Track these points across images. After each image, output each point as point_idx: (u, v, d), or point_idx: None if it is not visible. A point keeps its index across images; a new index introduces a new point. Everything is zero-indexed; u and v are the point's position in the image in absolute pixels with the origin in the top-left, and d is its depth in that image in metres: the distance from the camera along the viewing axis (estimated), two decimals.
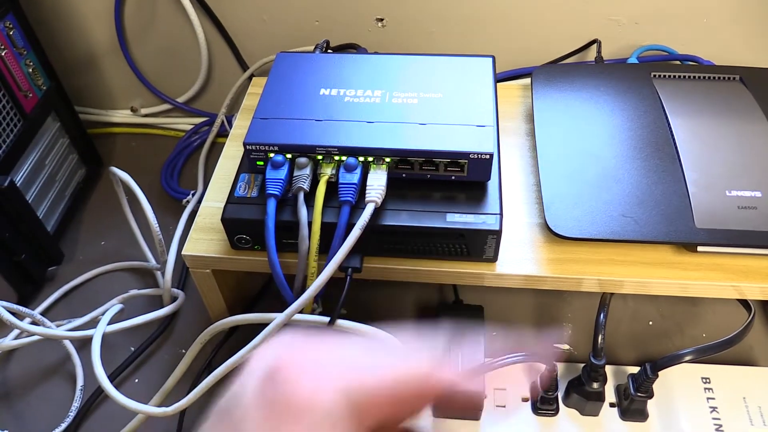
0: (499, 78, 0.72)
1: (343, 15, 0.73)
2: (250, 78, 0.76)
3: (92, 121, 0.87)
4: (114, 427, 0.56)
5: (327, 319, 0.47)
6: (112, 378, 0.59)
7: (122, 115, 0.88)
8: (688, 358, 0.48)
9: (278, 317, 0.44)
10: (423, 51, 0.73)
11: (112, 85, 0.85)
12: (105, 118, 0.87)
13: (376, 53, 0.68)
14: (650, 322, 0.62)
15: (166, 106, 0.86)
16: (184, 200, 0.74)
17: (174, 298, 0.63)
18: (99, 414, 0.58)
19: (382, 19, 0.73)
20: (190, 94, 0.83)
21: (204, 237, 0.54)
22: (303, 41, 0.74)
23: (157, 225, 0.60)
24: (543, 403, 0.52)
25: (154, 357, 0.62)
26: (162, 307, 0.62)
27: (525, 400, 0.53)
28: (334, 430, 0.22)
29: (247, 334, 0.50)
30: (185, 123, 0.86)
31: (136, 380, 0.60)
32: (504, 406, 0.53)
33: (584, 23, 0.71)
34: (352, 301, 0.65)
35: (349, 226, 0.46)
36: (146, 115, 0.87)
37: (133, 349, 0.62)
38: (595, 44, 0.70)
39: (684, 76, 0.61)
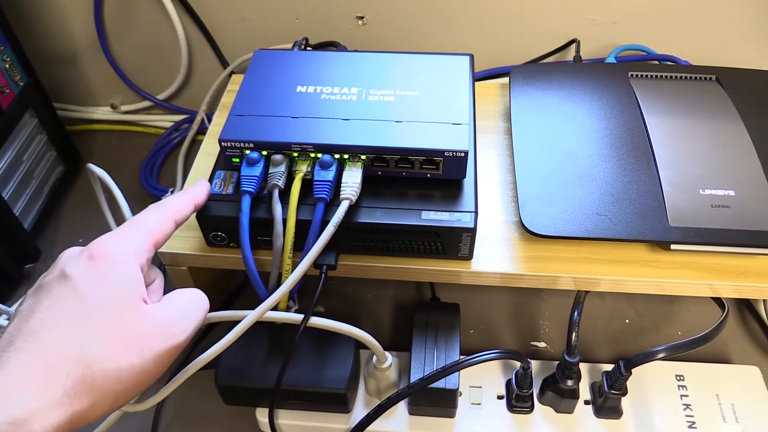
0: (479, 77, 0.72)
1: (324, 13, 0.73)
2: (230, 75, 0.75)
3: (72, 117, 0.87)
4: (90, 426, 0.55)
5: (301, 316, 0.47)
6: None
7: (102, 112, 0.87)
8: (661, 355, 0.48)
9: (250, 314, 0.44)
10: (403, 49, 0.72)
11: (91, 82, 0.85)
12: (85, 114, 0.87)
13: (356, 51, 0.68)
14: (627, 320, 0.63)
15: (146, 103, 0.86)
16: (163, 197, 0.74)
17: None
18: None
19: (362, 17, 0.73)
20: (170, 91, 0.83)
21: (180, 234, 0.53)
22: (283, 39, 0.74)
23: None
24: (518, 400, 0.52)
25: None
26: None
27: (500, 397, 0.54)
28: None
29: (225, 331, 0.50)
30: (166, 120, 0.86)
31: None
32: (479, 404, 0.53)
33: (563, 23, 0.72)
34: (331, 298, 0.65)
35: (324, 224, 0.46)
36: (126, 112, 0.87)
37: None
38: (574, 44, 0.70)
39: (661, 76, 0.61)
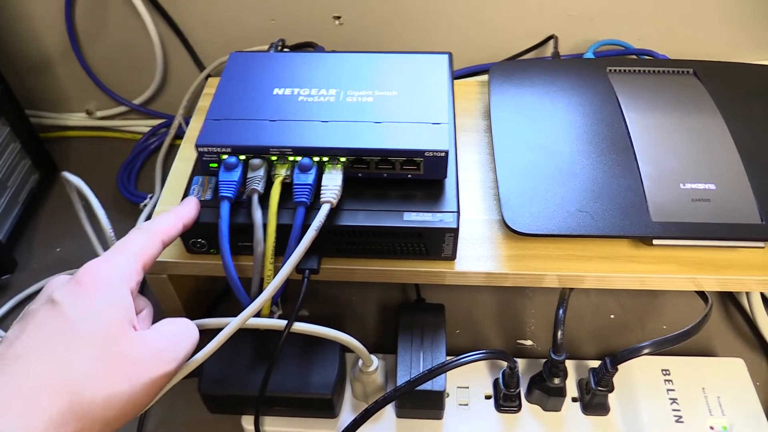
0: (458, 75, 0.72)
1: (300, 13, 0.72)
2: (207, 78, 0.74)
3: (46, 125, 0.85)
4: None
5: (284, 322, 0.46)
6: None
7: (77, 119, 0.86)
8: (646, 351, 0.48)
9: (232, 322, 0.43)
10: (382, 49, 0.72)
11: (65, 88, 0.83)
12: (59, 121, 0.86)
13: (333, 52, 0.67)
14: (612, 316, 0.63)
15: (122, 108, 0.84)
16: (141, 204, 0.73)
17: None
18: None
19: (339, 17, 0.73)
20: (146, 96, 0.82)
21: None
22: (259, 40, 0.73)
23: (111, 231, 0.58)
24: (505, 400, 0.52)
25: None
26: None
27: (488, 397, 0.53)
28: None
29: (209, 338, 0.49)
30: (143, 125, 0.85)
31: None
32: (467, 405, 0.53)
33: (541, 19, 0.72)
34: (316, 302, 0.64)
35: (305, 228, 0.46)
36: (102, 118, 0.86)
37: None
38: (552, 40, 0.70)
39: (639, 71, 0.61)
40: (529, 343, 0.61)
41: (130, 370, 0.34)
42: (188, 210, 0.46)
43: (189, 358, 0.39)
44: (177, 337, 0.39)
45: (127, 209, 0.74)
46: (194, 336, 0.40)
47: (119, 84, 0.82)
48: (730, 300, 0.64)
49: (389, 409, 0.52)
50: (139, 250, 0.40)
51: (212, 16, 0.74)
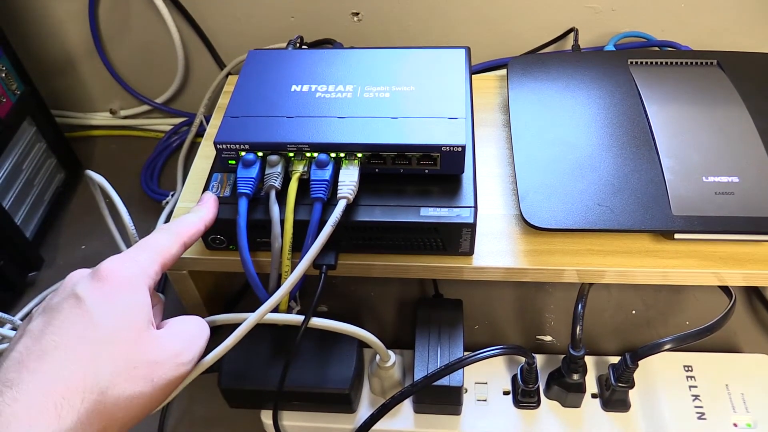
0: (476, 69, 0.72)
1: (319, 10, 0.73)
2: (227, 76, 0.75)
3: (71, 124, 0.87)
4: None
5: (302, 317, 0.46)
6: None
7: (101, 118, 0.87)
8: (667, 346, 0.48)
9: (250, 317, 0.44)
10: (400, 44, 0.72)
11: (89, 88, 0.85)
12: (84, 121, 0.87)
13: (351, 48, 0.67)
14: (633, 312, 0.62)
15: (145, 108, 0.85)
16: (164, 201, 0.74)
17: None
18: None
19: (357, 14, 0.73)
20: (168, 95, 0.83)
21: None
22: (279, 38, 0.73)
23: (133, 228, 0.59)
24: (524, 395, 0.51)
25: None
26: None
27: (506, 393, 0.53)
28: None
29: (228, 334, 0.50)
30: (165, 124, 0.86)
31: None
32: (485, 400, 0.53)
33: (561, 12, 0.71)
34: (334, 298, 0.65)
35: (322, 223, 0.46)
36: (126, 117, 0.87)
37: None
38: (573, 33, 0.70)
39: (661, 63, 0.60)
40: (548, 338, 0.60)
41: (151, 371, 0.35)
42: (208, 211, 0.47)
43: (202, 358, 0.40)
44: (194, 338, 0.39)
45: (150, 207, 0.75)
46: (206, 334, 0.41)
47: (142, 83, 0.83)
48: (756, 295, 0.63)
49: (407, 405, 0.52)
50: (161, 249, 0.40)
51: (232, 15, 0.74)
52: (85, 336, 0.33)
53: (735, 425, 0.50)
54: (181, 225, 0.44)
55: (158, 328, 0.38)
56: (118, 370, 0.33)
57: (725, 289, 0.51)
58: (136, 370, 0.34)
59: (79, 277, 0.37)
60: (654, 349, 0.48)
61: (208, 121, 0.78)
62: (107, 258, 0.38)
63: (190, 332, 0.39)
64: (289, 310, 0.50)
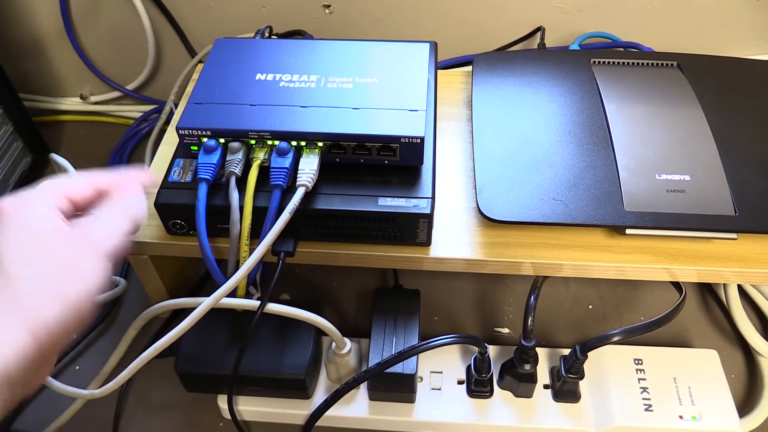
0: (445, 65, 0.73)
1: (290, 2, 0.73)
2: (198, 64, 0.75)
3: (40, 108, 0.86)
4: (54, 413, 0.55)
5: (257, 303, 0.47)
6: None
7: (71, 103, 0.86)
8: (616, 338, 0.49)
9: (205, 301, 0.44)
10: (370, 38, 0.72)
11: (59, 72, 0.84)
12: (54, 105, 0.86)
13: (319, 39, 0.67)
14: (590, 306, 0.63)
15: (116, 94, 0.85)
16: None
17: (115, 285, 0.63)
18: (39, 401, 0.58)
19: (329, 6, 0.73)
20: (139, 81, 0.82)
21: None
22: (250, 27, 0.73)
23: None
24: (477, 385, 0.52)
25: (96, 344, 0.62)
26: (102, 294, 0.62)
27: (461, 382, 0.54)
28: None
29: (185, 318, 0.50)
30: (136, 111, 0.85)
31: (77, 367, 0.60)
32: (440, 389, 0.53)
33: (530, 11, 0.72)
34: (297, 286, 0.65)
35: (280, 210, 0.46)
36: (96, 103, 0.86)
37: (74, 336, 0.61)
38: (539, 32, 0.71)
39: (623, 63, 0.61)
40: (506, 330, 0.61)
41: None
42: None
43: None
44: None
45: None
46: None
47: (113, 69, 0.83)
48: (708, 292, 0.64)
49: (363, 393, 0.53)
50: (62, 182, 0.39)
51: (204, 3, 0.74)
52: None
53: (681, 417, 0.51)
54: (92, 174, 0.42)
55: None
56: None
57: (676, 285, 0.53)
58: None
59: None
60: (603, 341, 0.49)
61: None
62: None
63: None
64: (249, 297, 0.50)
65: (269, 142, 0.49)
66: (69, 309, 0.33)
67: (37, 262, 0.33)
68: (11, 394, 0.30)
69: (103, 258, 0.36)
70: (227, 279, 0.46)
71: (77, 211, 0.39)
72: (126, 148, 0.80)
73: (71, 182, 0.39)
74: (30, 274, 0.33)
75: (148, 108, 0.84)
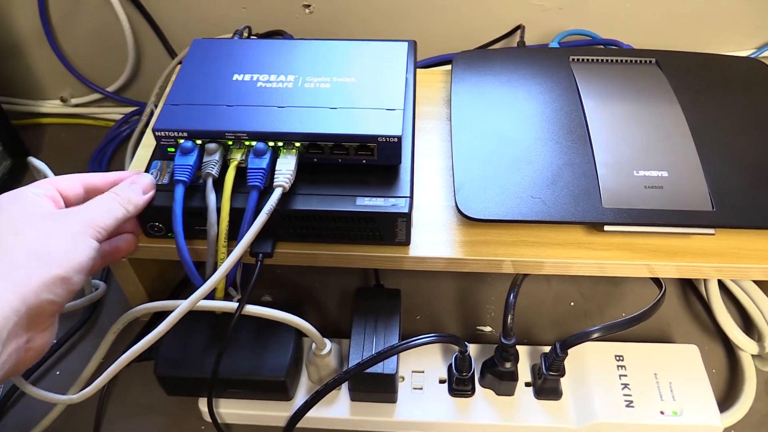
0: (425, 64, 0.73)
1: (270, 2, 0.73)
2: (179, 65, 0.75)
3: (20, 111, 0.85)
4: (34, 419, 0.55)
5: (235, 305, 0.46)
6: (31, 370, 0.58)
7: (52, 106, 0.86)
8: (596, 335, 0.49)
9: (183, 303, 0.44)
10: (350, 37, 0.72)
11: (39, 75, 0.83)
12: (33, 108, 0.86)
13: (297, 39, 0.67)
14: (572, 303, 0.63)
15: (96, 96, 0.84)
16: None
17: (95, 289, 0.62)
18: (19, 407, 0.57)
19: (309, 6, 0.73)
20: (119, 83, 0.82)
21: None
22: (230, 28, 0.73)
23: None
24: (458, 384, 0.52)
25: (77, 349, 0.61)
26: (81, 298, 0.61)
27: (443, 382, 0.54)
28: None
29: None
30: (117, 113, 0.85)
31: (57, 372, 0.59)
32: (421, 389, 0.53)
33: (510, 9, 0.72)
34: (278, 287, 0.65)
35: (258, 211, 0.46)
36: (77, 105, 0.86)
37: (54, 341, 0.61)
38: (519, 30, 0.71)
39: (601, 60, 0.62)
40: (488, 329, 0.61)
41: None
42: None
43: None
44: None
45: None
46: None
47: (93, 71, 0.82)
48: (689, 287, 0.65)
49: (344, 394, 0.53)
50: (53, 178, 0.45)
51: (184, 4, 0.74)
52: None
53: (662, 413, 0.52)
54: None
55: None
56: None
57: (656, 281, 0.53)
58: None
59: None
60: (582, 337, 0.49)
61: None
62: None
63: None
64: (229, 299, 0.50)
65: (246, 143, 0.49)
66: (56, 278, 0.37)
67: (27, 236, 0.37)
68: (7, 355, 0.34)
69: (90, 234, 0.40)
70: (205, 281, 0.46)
71: (68, 205, 0.43)
72: (107, 150, 0.79)
73: (62, 178, 0.45)
74: (20, 248, 0.37)
75: (128, 110, 0.84)
